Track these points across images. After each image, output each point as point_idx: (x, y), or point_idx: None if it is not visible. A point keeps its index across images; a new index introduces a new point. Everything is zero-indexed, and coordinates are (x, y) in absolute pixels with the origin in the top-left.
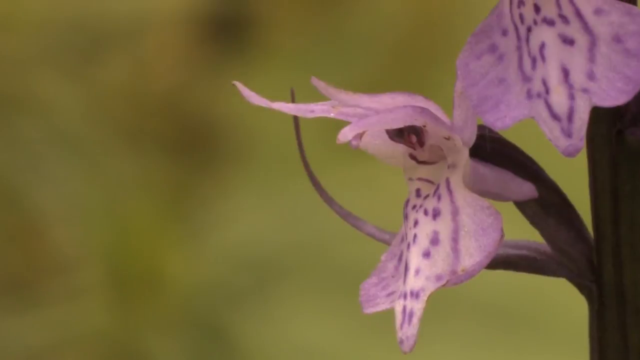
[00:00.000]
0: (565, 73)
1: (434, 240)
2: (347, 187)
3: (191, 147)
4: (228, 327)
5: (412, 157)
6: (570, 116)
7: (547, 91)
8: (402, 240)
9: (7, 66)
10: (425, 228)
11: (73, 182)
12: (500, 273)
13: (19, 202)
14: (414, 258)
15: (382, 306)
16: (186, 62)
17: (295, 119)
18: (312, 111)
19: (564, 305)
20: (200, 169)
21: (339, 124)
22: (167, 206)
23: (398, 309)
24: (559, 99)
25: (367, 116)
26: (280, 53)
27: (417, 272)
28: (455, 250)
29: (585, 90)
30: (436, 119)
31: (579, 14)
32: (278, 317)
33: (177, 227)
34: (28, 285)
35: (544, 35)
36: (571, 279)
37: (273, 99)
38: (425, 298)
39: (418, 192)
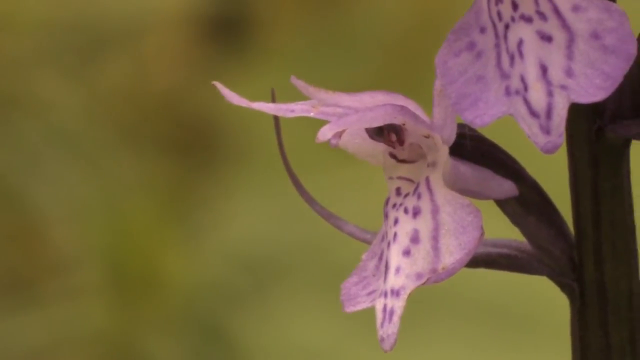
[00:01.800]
0: (544, 70)
1: (414, 239)
2: (335, 187)
3: (191, 147)
4: (227, 326)
5: (392, 155)
6: (548, 113)
7: (526, 88)
8: (383, 239)
9: (7, 66)
10: (405, 226)
11: (72, 182)
12: (487, 271)
13: (18, 202)
14: (395, 256)
15: (363, 305)
16: (186, 62)
17: (276, 119)
18: (292, 111)
19: (551, 302)
20: (200, 169)
21: (325, 124)
22: (167, 206)
23: (379, 307)
24: (537, 95)
25: (346, 115)
26: (280, 53)
27: (398, 270)
28: (435, 248)
29: (563, 87)
30: (415, 117)
31: (556, 11)
32: (277, 316)
33: (177, 227)
34: (28, 285)
35: (522, 32)
36: (552, 277)
37: (258, 100)
38: (406, 296)
39: (398, 191)
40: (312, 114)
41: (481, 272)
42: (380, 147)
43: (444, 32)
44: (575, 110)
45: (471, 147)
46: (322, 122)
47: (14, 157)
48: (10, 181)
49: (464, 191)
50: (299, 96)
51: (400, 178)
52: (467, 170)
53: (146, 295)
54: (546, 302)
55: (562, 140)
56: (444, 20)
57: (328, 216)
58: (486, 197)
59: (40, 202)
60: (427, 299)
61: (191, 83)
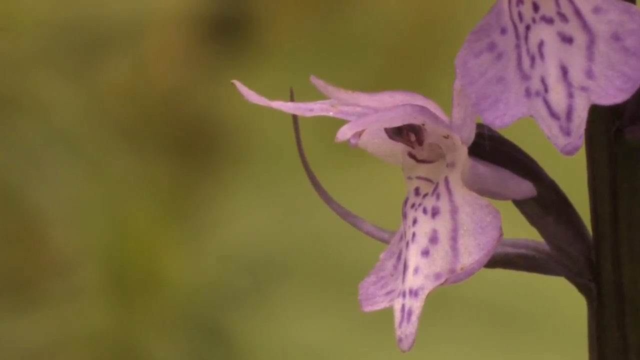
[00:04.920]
0: (564, 71)
1: (433, 239)
2: (344, 186)
3: (191, 147)
4: (227, 327)
5: (411, 155)
6: (569, 114)
7: (546, 89)
8: (401, 238)
9: (6, 66)
10: (424, 227)
11: (73, 182)
12: (498, 271)
13: (19, 202)
14: (413, 256)
15: (381, 305)
16: (186, 62)
17: (295, 117)
18: (311, 110)
19: (563, 303)
20: (200, 169)
21: (337, 124)
22: (167, 206)
23: (397, 307)
24: (557, 97)
25: (366, 115)
26: (280, 53)
27: (416, 270)
28: (454, 248)
29: (584, 89)
30: (435, 117)
31: (577, 12)
32: (278, 317)
33: (177, 227)
34: (28, 285)
35: (543, 33)
36: (570, 278)
37: (272, 99)
38: (424, 296)
39: (417, 191)
40: (331, 114)
41: (487, 271)
42: (399, 147)
43: (444, 33)
44: (595, 112)
45: (490, 147)
46: (323, 122)
47: (14, 157)
48: (10, 181)
49: (483, 191)
50: (297, 97)
51: (419, 178)
52: (485, 170)
53: (146, 296)
54: (551, 303)
55: (582, 142)
56: (444, 21)
57: (346, 215)
58: (505, 198)
59: (40, 202)
60: (430, 298)
61: (191, 83)
